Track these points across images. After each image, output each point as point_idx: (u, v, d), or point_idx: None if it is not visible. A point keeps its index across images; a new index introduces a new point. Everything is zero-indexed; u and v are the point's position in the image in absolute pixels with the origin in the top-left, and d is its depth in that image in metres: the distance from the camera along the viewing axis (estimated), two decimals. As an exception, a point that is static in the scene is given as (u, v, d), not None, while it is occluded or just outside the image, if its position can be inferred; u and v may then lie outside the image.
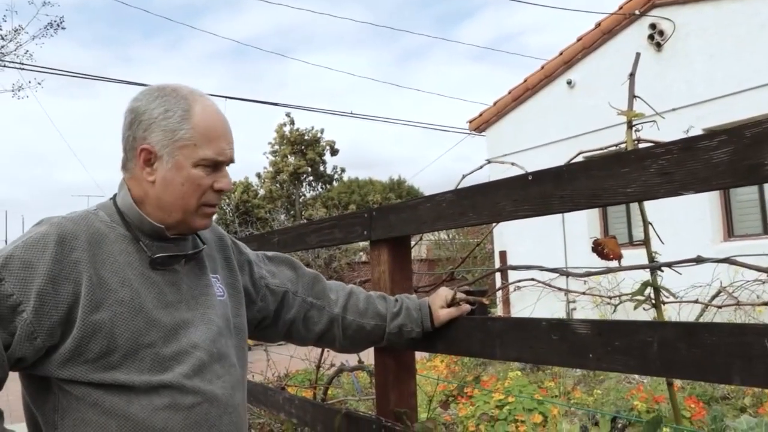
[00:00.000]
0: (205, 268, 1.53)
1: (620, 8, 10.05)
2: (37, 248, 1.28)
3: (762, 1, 8.33)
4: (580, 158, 1.58)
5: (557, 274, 1.67)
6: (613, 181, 1.30)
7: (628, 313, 1.56)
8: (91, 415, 1.29)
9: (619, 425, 4.60)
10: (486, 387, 5.48)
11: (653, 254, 1.47)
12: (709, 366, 1.14)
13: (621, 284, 6.78)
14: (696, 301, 1.70)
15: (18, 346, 1.24)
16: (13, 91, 14.07)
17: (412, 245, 2.12)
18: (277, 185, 30.22)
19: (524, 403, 5.03)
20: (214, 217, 1.68)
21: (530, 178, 1.48)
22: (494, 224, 1.87)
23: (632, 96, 1.58)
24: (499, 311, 11.33)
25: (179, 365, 1.36)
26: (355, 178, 33.07)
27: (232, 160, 1.46)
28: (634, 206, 1.55)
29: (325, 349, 3.12)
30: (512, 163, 2.17)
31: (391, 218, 1.96)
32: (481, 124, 12.82)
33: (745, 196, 9.02)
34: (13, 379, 1.32)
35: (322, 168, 31.56)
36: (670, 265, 1.39)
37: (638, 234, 9.68)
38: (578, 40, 10.79)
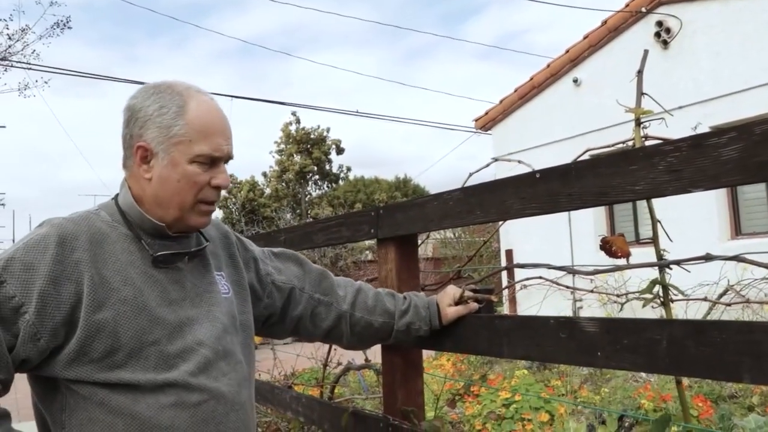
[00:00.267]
0: (209, 265, 1.52)
1: (627, 6, 10.02)
2: (38, 250, 1.29)
3: (769, -2, 8.29)
4: (586, 156, 1.57)
5: (564, 273, 1.67)
6: (621, 178, 1.29)
7: (635, 311, 1.56)
8: (98, 414, 1.30)
9: (626, 424, 4.59)
10: (492, 385, 5.47)
11: (662, 252, 1.47)
12: (718, 364, 1.13)
13: (627, 283, 6.76)
14: (704, 299, 1.69)
15: (22, 347, 1.25)
16: (19, 90, 14.12)
17: (418, 244, 2.12)
18: (283, 184, 30.23)
19: (531, 401, 5.02)
20: (220, 215, 1.68)
21: (538, 176, 1.48)
22: (501, 222, 1.87)
23: (640, 93, 1.57)
24: (505, 310, 11.31)
25: (184, 363, 1.36)
26: (360, 176, 33.08)
27: (230, 156, 1.45)
28: (641, 205, 1.55)
29: (332, 348, 3.13)
30: (519, 161, 2.16)
31: (398, 216, 1.96)
32: (487, 123, 12.80)
33: (753, 194, 8.98)
34: (20, 378, 1.32)
35: (328, 167, 31.54)
36: (678, 263, 1.38)
37: (645, 232, 9.68)
38: (584, 38, 10.76)
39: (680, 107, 8.59)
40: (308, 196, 30.92)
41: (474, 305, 1.78)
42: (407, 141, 60.74)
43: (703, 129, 7.76)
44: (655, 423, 1.43)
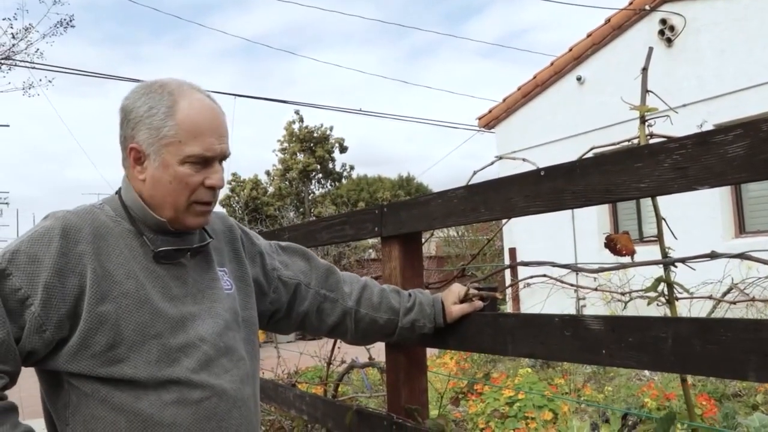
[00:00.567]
0: (212, 261, 1.52)
1: (630, 4, 9.99)
2: (43, 242, 1.30)
3: (774, -5, 8.26)
4: (591, 154, 1.57)
5: (568, 271, 1.66)
6: (626, 176, 1.29)
7: (638, 310, 1.55)
8: (101, 411, 1.30)
9: (630, 422, 4.58)
10: (496, 384, 5.46)
11: (666, 250, 1.46)
12: (724, 362, 1.13)
13: (631, 281, 6.74)
14: (710, 297, 1.68)
15: (28, 339, 1.26)
16: (23, 89, 14.13)
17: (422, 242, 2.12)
18: (287, 183, 30.24)
19: (534, 400, 5.02)
20: (224, 213, 1.68)
21: (542, 173, 1.48)
22: (505, 221, 1.86)
23: (645, 90, 1.56)
24: (508, 308, 11.30)
25: (186, 358, 1.36)
26: (364, 175, 33.07)
27: (224, 155, 1.43)
28: (645, 203, 1.54)
29: (336, 347, 3.13)
30: (524, 159, 2.16)
31: (402, 215, 1.96)
32: (490, 121, 12.78)
33: (757, 192, 8.95)
34: (25, 376, 1.33)
35: (331, 165, 31.55)
36: (684, 260, 1.38)
37: (648, 231, 9.66)
38: (588, 36, 10.73)
39: (684, 105, 8.56)
40: (311, 194, 30.93)
41: (479, 303, 1.77)
42: (410, 139, 60.81)
43: (708, 127, 7.73)
44: (660, 421, 1.43)
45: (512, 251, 11.88)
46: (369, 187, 31.68)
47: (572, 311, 9.49)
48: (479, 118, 13.03)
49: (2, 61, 13.46)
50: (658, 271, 1.47)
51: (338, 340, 2.48)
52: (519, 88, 12.04)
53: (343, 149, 31.55)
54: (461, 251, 17.84)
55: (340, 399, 3.11)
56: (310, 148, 30.36)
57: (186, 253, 1.45)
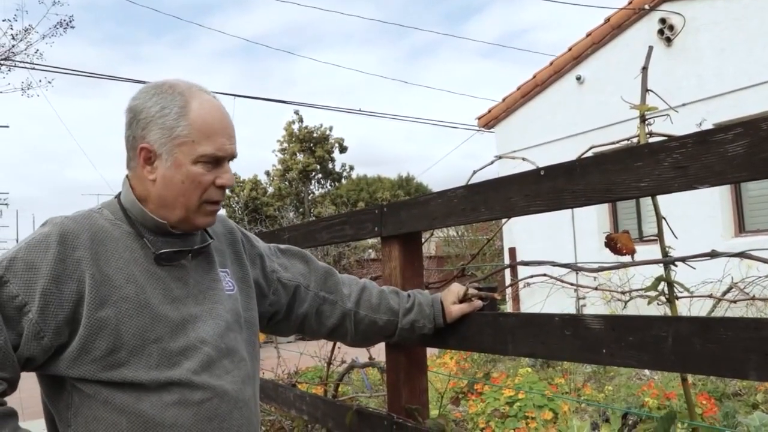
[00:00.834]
0: (214, 262, 1.52)
1: (630, 3, 9.99)
2: (40, 249, 1.30)
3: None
4: (590, 153, 1.57)
5: (568, 270, 1.66)
6: (627, 175, 1.29)
7: (638, 309, 1.55)
8: (103, 412, 1.30)
9: (630, 421, 4.58)
10: (496, 383, 5.46)
11: (666, 249, 1.46)
12: (724, 361, 1.13)
13: (631, 280, 6.74)
14: (710, 296, 1.68)
15: (26, 346, 1.26)
16: (23, 89, 14.13)
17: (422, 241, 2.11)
18: (286, 183, 30.24)
19: (534, 399, 5.02)
20: (223, 214, 1.68)
21: (542, 173, 1.48)
22: (505, 220, 1.86)
23: (645, 89, 1.56)
24: (508, 308, 11.30)
25: (187, 360, 1.36)
26: (363, 175, 33.10)
27: (233, 155, 1.45)
28: (644, 202, 1.54)
29: (336, 347, 3.13)
30: (523, 158, 2.16)
31: (402, 214, 1.96)
32: (489, 121, 12.78)
33: (756, 191, 8.95)
34: (26, 378, 1.33)
35: (330, 165, 31.55)
36: (684, 259, 1.38)
37: (648, 230, 9.65)
38: (587, 35, 10.73)
39: (684, 105, 8.56)
40: (311, 194, 30.93)
41: (478, 303, 1.77)
42: (410, 139, 60.88)
43: (707, 126, 7.73)
44: (661, 420, 1.43)
45: (512, 251, 11.88)
46: (369, 187, 31.69)
47: (572, 311, 9.49)
48: (479, 118, 13.03)
49: (2, 62, 13.46)
50: (658, 270, 1.46)
51: (338, 340, 2.47)
52: (518, 88, 12.04)
53: (342, 149, 31.55)
54: (461, 251, 17.85)
55: (340, 399, 3.11)
56: (310, 149, 30.35)
57: (187, 255, 1.45)
